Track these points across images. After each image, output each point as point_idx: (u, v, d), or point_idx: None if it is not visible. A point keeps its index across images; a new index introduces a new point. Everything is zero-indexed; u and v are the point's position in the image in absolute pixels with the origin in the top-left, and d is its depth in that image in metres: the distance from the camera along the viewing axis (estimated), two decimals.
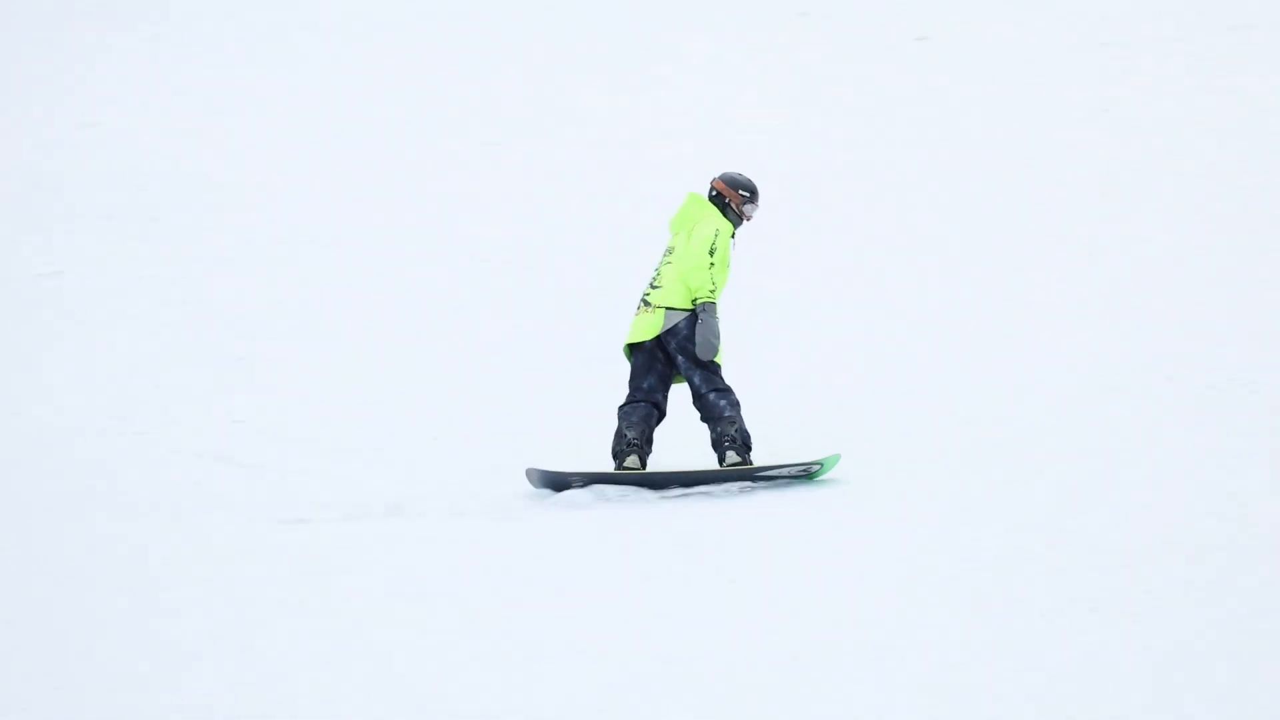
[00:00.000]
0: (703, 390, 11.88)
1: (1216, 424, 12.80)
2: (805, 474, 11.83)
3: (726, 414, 11.85)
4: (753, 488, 11.79)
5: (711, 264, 11.90)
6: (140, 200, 19.97)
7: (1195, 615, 9.08)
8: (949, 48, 24.91)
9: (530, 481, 11.90)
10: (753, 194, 12.22)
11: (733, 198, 12.18)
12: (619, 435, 11.89)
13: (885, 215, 19.50)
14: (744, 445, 11.89)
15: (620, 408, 11.96)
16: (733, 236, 12.12)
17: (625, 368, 12.07)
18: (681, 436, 12.39)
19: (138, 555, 10.53)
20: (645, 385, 11.94)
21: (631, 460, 11.83)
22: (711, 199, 12.20)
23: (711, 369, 11.91)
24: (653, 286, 12.03)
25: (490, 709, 8.34)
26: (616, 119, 22.90)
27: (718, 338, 11.86)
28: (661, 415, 11.99)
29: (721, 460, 11.89)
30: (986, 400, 13.74)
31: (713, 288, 11.88)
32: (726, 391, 11.89)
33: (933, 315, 16.35)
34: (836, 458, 11.91)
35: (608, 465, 11.91)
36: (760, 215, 12.38)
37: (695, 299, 11.87)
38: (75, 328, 16.18)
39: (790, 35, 26.02)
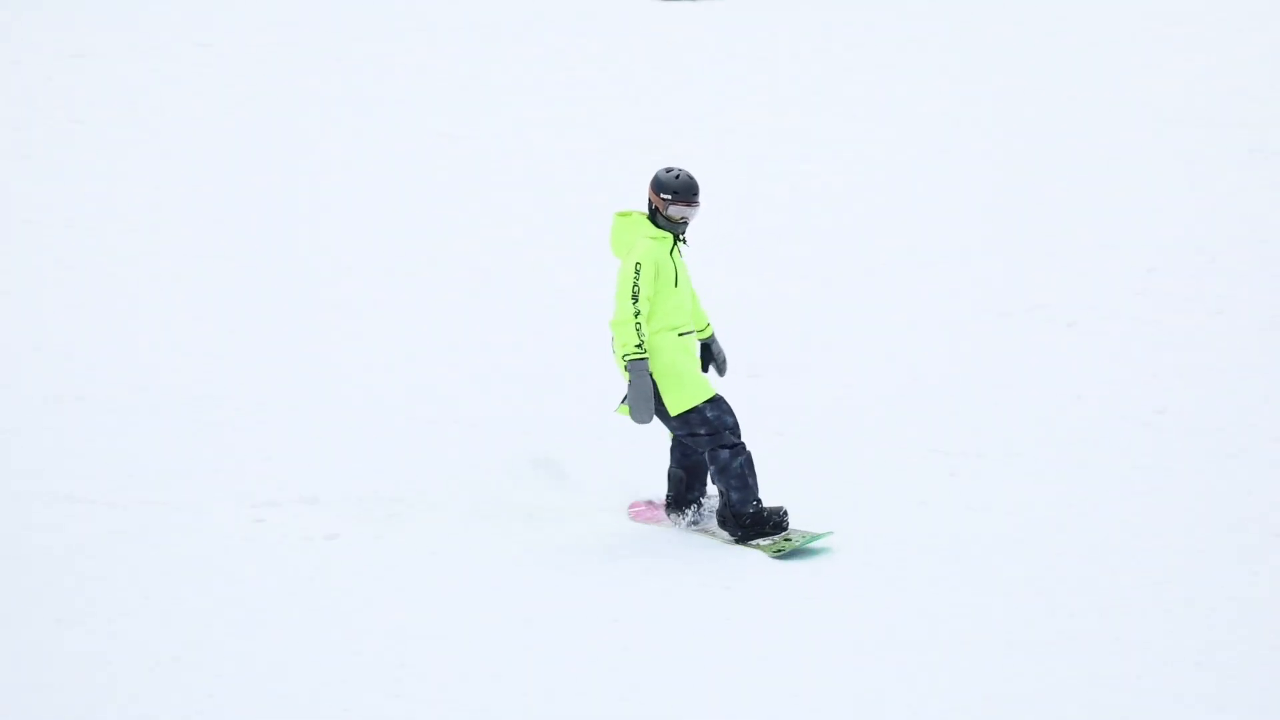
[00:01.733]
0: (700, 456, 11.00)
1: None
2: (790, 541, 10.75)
3: (717, 485, 10.80)
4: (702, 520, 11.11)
5: (636, 313, 10.54)
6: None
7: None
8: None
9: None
10: (677, 193, 10.78)
11: (657, 203, 10.85)
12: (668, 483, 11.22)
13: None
14: (736, 524, 10.75)
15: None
16: (676, 247, 10.83)
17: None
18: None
19: (128, 557, 10.45)
20: None
21: (673, 516, 11.06)
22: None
23: (693, 423, 10.73)
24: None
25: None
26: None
27: (647, 400, 10.54)
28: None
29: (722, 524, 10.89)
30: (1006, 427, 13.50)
31: (638, 343, 10.53)
32: (715, 453, 10.74)
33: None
34: (825, 534, 10.71)
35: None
36: (692, 214, 10.84)
37: (624, 355, 10.63)
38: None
39: None
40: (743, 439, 10.88)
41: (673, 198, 10.73)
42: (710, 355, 11.15)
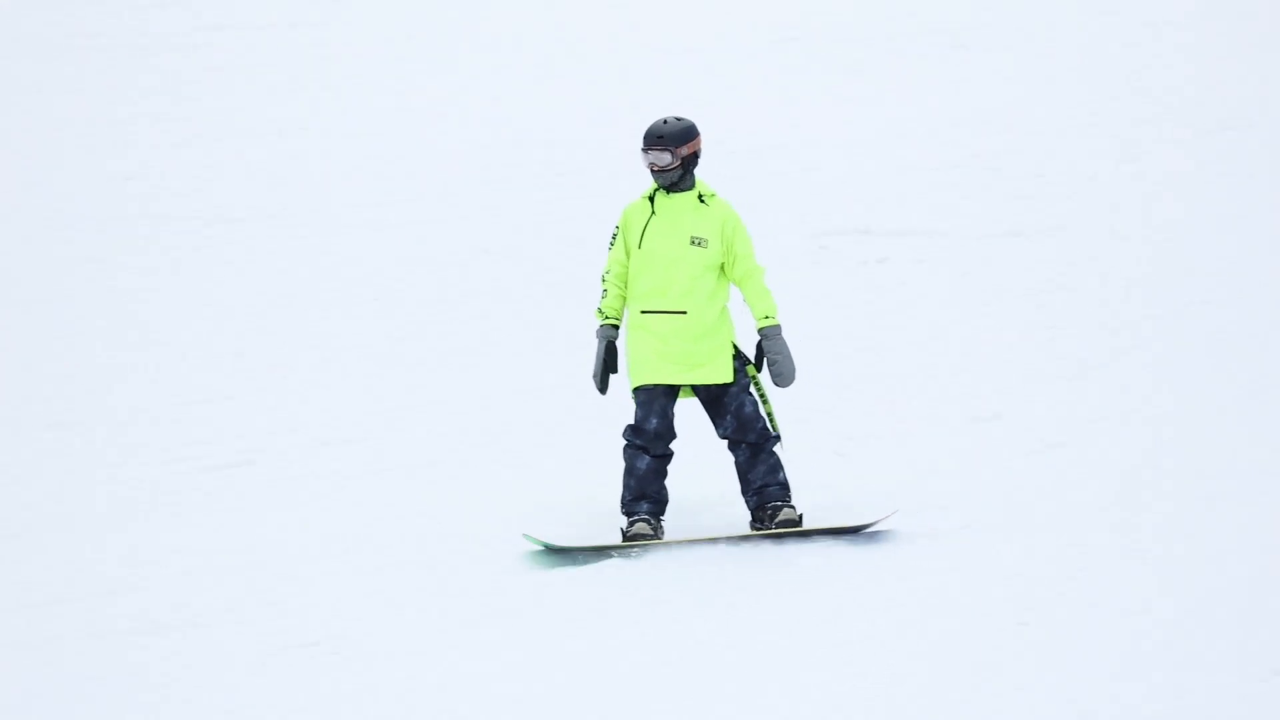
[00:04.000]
0: None
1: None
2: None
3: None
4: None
5: (603, 277, 10.46)
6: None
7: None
8: None
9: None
10: (643, 139, 10.32)
11: None
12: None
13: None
14: (626, 515, 10.42)
15: None
16: (655, 196, 10.37)
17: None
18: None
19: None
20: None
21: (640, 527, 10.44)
22: None
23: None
24: None
25: None
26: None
27: (594, 375, 10.42)
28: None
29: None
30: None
31: (599, 307, 10.47)
32: (624, 445, 10.51)
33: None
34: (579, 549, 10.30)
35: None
36: (655, 159, 10.24)
37: None
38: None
39: None
40: (644, 442, 10.37)
41: (641, 144, 10.43)
42: (760, 354, 10.54)
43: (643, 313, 10.35)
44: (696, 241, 10.30)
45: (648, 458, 10.36)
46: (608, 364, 10.41)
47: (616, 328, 10.44)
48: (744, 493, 10.48)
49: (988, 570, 9.81)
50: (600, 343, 10.39)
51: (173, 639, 9.18)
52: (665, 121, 10.27)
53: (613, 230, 10.45)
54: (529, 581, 9.95)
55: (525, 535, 10.40)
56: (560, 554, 10.25)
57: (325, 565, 10.35)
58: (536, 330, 15.30)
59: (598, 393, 10.47)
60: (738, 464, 10.46)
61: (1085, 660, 8.43)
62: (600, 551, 10.26)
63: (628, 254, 10.37)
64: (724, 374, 10.37)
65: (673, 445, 10.49)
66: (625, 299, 10.44)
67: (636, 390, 10.39)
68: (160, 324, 15.75)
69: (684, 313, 10.31)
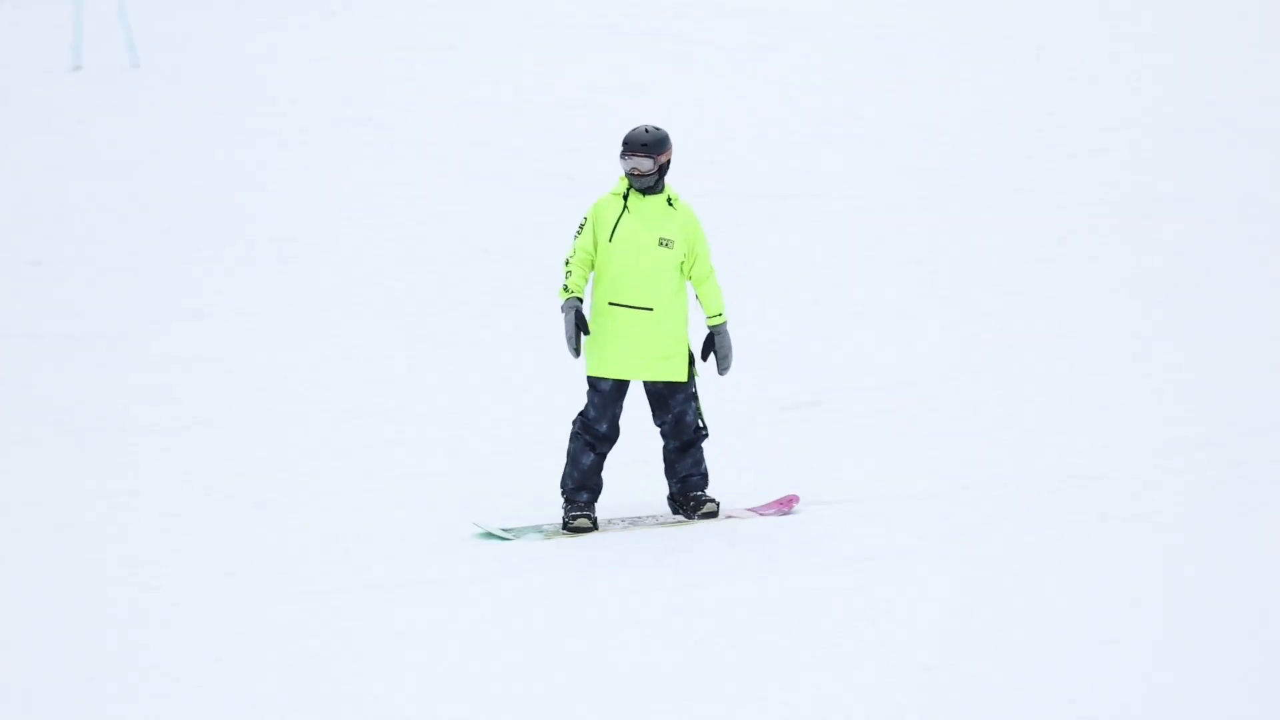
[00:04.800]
0: None
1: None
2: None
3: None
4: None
5: (566, 261, 10.87)
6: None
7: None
8: None
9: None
10: (622, 144, 10.84)
11: None
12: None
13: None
14: (566, 501, 11.00)
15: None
16: (627, 195, 10.81)
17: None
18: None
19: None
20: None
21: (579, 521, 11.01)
22: None
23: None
24: None
25: None
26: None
27: (568, 338, 10.78)
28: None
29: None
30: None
31: (564, 285, 10.83)
32: (572, 431, 11.02)
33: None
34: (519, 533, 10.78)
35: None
36: (637, 164, 10.68)
37: None
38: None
39: None
40: (592, 439, 10.97)
41: (620, 150, 10.84)
42: (710, 347, 11.10)
43: (610, 304, 10.92)
44: (664, 242, 10.90)
45: (593, 454, 10.97)
46: (579, 327, 10.83)
47: (582, 300, 10.90)
48: (668, 475, 11.11)
49: (987, 570, 9.85)
50: (569, 314, 10.81)
51: (173, 638, 9.15)
52: (647, 130, 10.84)
53: (580, 220, 10.93)
54: (529, 581, 9.99)
55: (474, 523, 10.90)
56: (506, 540, 10.66)
57: (325, 565, 10.35)
58: (536, 330, 15.27)
59: (572, 357, 10.85)
60: (666, 451, 11.09)
61: (1085, 660, 8.44)
62: (543, 538, 10.74)
63: (596, 245, 10.88)
64: (679, 373, 10.98)
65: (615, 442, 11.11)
66: (586, 280, 10.91)
67: (594, 383, 10.93)
68: (159, 324, 15.72)
69: (650, 309, 10.90)
